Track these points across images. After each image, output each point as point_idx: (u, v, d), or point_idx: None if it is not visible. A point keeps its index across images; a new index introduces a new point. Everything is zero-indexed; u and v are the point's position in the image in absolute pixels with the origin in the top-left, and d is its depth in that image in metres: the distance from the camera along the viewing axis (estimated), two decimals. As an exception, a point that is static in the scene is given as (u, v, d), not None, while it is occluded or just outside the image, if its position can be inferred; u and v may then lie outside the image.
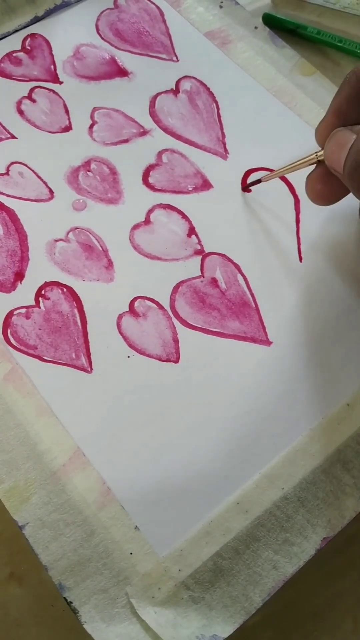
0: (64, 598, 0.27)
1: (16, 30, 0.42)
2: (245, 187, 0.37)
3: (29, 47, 0.41)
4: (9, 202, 0.36)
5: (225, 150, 0.38)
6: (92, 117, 0.39)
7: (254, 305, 0.34)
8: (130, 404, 0.31)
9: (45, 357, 0.32)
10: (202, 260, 0.35)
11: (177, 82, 0.40)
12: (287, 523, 0.29)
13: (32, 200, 0.36)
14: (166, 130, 0.39)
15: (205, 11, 0.43)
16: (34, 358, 0.32)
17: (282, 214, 0.36)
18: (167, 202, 0.36)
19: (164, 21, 0.43)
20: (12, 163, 0.37)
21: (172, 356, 0.32)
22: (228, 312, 0.33)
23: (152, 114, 0.39)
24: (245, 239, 0.35)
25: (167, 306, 0.33)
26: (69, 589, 0.27)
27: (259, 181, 0.35)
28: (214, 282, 0.34)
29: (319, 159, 0.30)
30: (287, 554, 0.28)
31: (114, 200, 0.36)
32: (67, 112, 0.39)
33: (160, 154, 0.38)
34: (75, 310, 0.33)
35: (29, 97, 0.40)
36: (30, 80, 0.40)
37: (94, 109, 0.39)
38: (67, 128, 0.39)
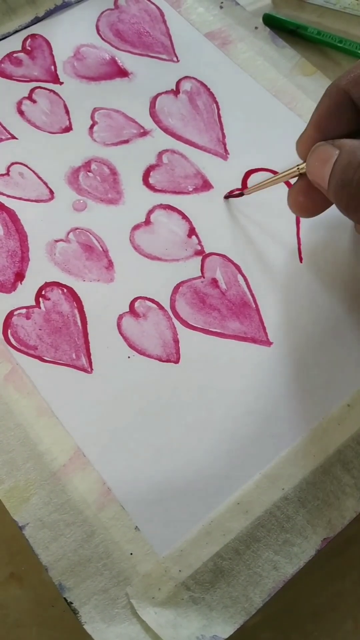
0: (64, 598, 0.27)
1: (16, 31, 0.42)
2: (227, 197, 0.36)
3: (29, 48, 0.41)
4: (9, 203, 0.36)
5: (226, 150, 0.38)
6: (92, 117, 0.39)
7: (254, 306, 0.34)
8: (131, 404, 0.31)
9: (45, 358, 0.32)
10: (203, 261, 0.35)
11: (178, 83, 0.40)
12: (288, 523, 0.29)
13: (32, 200, 0.36)
14: (166, 130, 0.39)
15: (206, 12, 0.43)
16: (34, 358, 0.32)
17: (282, 215, 0.36)
18: (168, 202, 0.36)
19: (165, 22, 0.43)
20: (13, 163, 0.37)
21: (173, 356, 0.32)
22: (228, 312, 0.33)
23: (153, 114, 0.39)
24: (246, 240, 0.35)
25: (167, 306, 0.33)
26: (69, 589, 0.27)
27: (241, 194, 0.35)
28: (214, 282, 0.34)
29: (301, 172, 0.30)
30: (288, 555, 0.28)
31: (114, 200, 0.37)
32: (67, 112, 0.39)
33: (160, 154, 0.38)
34: (76, 311, 0.33)
35: (30, 97, 0.40)
36: (31, 80, 0.40)
37: (94, 110, 0.39)
38: (68, 128, 0.39)
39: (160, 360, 0.32)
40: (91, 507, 0.29)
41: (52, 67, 0.41)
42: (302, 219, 0.36)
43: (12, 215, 0.36)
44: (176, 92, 0.40)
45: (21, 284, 0.34)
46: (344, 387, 0.32)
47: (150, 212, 0.36)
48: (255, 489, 0.29)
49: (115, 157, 0.38)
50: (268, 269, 0.35)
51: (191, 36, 0.42)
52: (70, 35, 0.42)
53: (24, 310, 0.33)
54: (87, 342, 0.32)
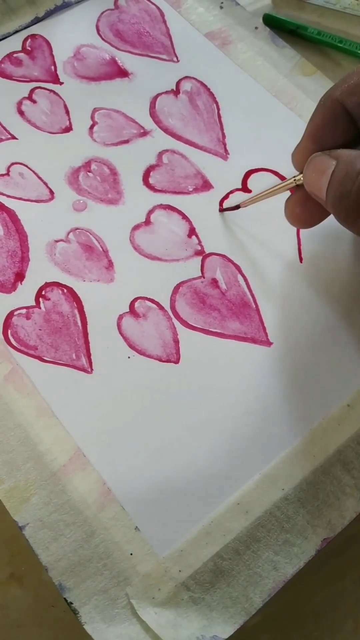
0: (64, 599, 0.27)
1: (16, 31, 0.42)
2: (222, 210, 0.36)
3: (29, 48, 0.41)
4: (9, 203, 0.36)
5: (226, 150, 0.38)
6: (92, 117, 0.39)
7: (254, 306, 0.34)
8: (131, 404, 0.31)
9: (45, 358, 0.32)
10: (203, 261, 0.35)
11: (178, 83, 0.40)
12: (288, 524, 0.29)
13: (32, 200, 0.36)
14: (166, 130, 0.39)
15: (206, 12, 0.43)
16: (34, 358, 0.32)
17: (282, 215, 0.36)
18: (168, 202, 0.36)
19: (165, 22, 0.43)
20: (13, 164, 0.37)
21: (173, 357, 0.32)
22: (228, 312, 0.33)
23: (153, 114, 0.39)
24: (246, 240, 0.35)
25: (167, 307, 0.33)
26: (69, 589, 0.27)
27: (237, 207, 0.35)
28: (214, 282, 0.34)
29: (298, 183, 0.30)
30: (288, 555, 0.28)
31: (115, 200, 0.37)
32: (67, 112, 0.39)
33: (160, 154, 0.38)
34: (76, 311, 0.33)
35: (30, 97, 0.40)
36: (31, 80, 0.40)
37: (95, 110, 0.39)
38: (68, 129, 0.39)
39: (160, 360, 0.32)
40: (91, 507, 0.29)
41: (52, 67, 0.41)
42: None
43: (12, 216, 0.36)
44: (176, 92, 0.40)
45: (21, 284, 0.34)
46: (343, 388, 0.32)
47: (151, 212, 0.36)
48: (256, 489, 0.29)
49: (115, 157, 0.38)
50: (268, 269, 0.35)
51: (191, 36, 0.42)
52: (70, 35, 0.42)
53: (24, 311, 0.33)
54: (87, 342, 0.32)
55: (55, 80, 0.40)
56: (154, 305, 0.33)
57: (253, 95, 0.40)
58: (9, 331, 0.32)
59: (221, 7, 0.43)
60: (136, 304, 0.33)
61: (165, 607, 0.27)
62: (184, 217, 0.36)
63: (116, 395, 0.31)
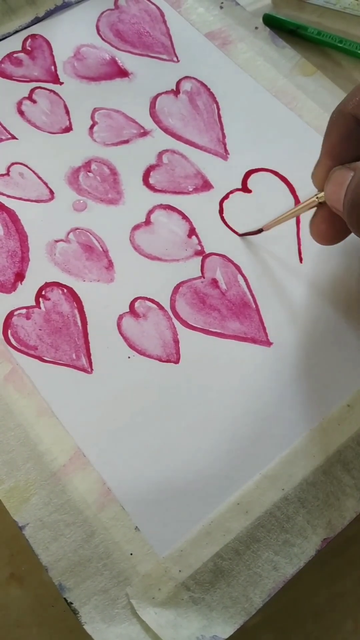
0: (64, 599, 0.27)
1: (17, 31, 0.42)
2: (242, 235, 0.35)
3: (29, 48, 0.41)
4: (9, 203, 0.36)
5: (226, 150, 0.38)
6: (92, 117, 0.39)
7: (254, 306, 0.34)
8: (131, 404, 0.31)
9: (45, 358, 0.32)
10: (203, 261, 0.35)
11: (178, 83, 0.40)
12: (288, 524, 0.29)
13: (32, 200, 0.36)
14: (166, 130, 0.39)
15: (206, 12, 0.43)
16: (35, 358, 0.32)
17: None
18: (168, 202, 0.36)
19: (165, 22, 0.43)
20: (13, 164, 0.37)
21: (173, 357, 0.32)
22: (228, 312, 0.33)
23: (153, 114, 0.39)
24: (246, 240, 0.35)
25: (167, 307, 0.33)
26: (69, 589, 0.27)
27: (260, 230, 0.34)
28: (214, 282, 0.34)
29: (320, 201, 0.29)
30: (288, 555, 0.28)
31: (115, 200, 0.37)
32: (67, 112, 0.39)
33: (160, 154, 0.38)
34: (76, 311, 0.33)
35: (30, 97, 0.40)
36: (31, 80, 0.40)
37: (95, 110, 0.39)
38: (68, 129, 0.39)
39: (160, 360, 0.32)
40: (91, 508, 0.29)
41: (52, 67, 0.41)
42: (302, 219, 0.36)
43: (12, 216, 0.36)
44: (176, 92, 0.40)
45: (21, 284, 0.34)
46: (343, 388, 0.32)
47: (151, 212, 0.36)
48: (256, 489, 0.29)
49: (115, 157, 0.38)
50: (268, 269, 0.35)
51: (191, 36, 0.42)
52: (70, 35, 0.42)
53: (24, 311, 0.33)
54: (87, 342, 0.32)
55: (56, 80, 0.40)
56: (154, 305, 0.33)
57: (253, 95, 0.40)
58: (9, 331, 0.32)
59: (221, 7, 0.43)
60: (136, 304, 0.33)
61: (165, 607, 0.27)
62: (184, 217, 0.36)
63: (116, 395, 0.31)
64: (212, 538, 0.28)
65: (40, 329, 0.33)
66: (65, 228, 0.35)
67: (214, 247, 0.35)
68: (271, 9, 0.45)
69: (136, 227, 0.36)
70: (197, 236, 0.35)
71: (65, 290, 0.34)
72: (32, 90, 0.40)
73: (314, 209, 0.31)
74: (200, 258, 0.35)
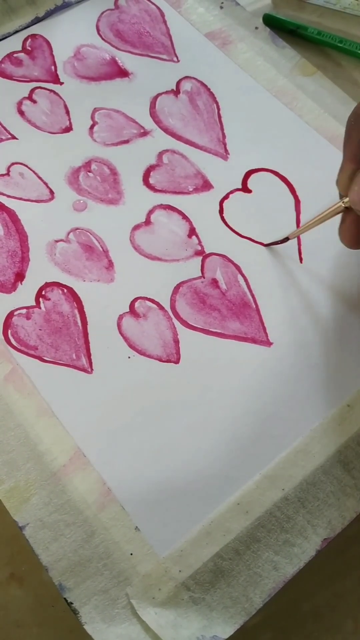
0: (65, 599, 0.27)
1: (17, 31, 0.42)
2: (269, 245, 0.35)
3: (29, 48, 0.41)
4: (9, 203, 0.36)
5: (226, 150, 0.38)
6: (92, 117, 0.39)
7: (254, 306, 0.34)
8: (131, 404, 0.31)
9: (45, 358, 0.32)
10: (203, 261, 0.35)
11: (178, 83, 0.40)
12: (288, 524, 0.29)
13: (32, 200, 0.36)
14: (167, 130, 0.39)
15: (206, 12, 0.43)
16: (35, 358, 0.32)
17: (282, 215, 0.36)
18: (168, 202, 0.36)
19: (165, 22, 0.43)
20: (13, 164, 0.37)
21: (173, 357, 0.32)
22: (228, 312, 0.33)
23: (153, 114, 0.39)
24: (246, 240, 0.35)
25: (167, 307, 0.33)
26: (69, 589, 0.27)
27: (286, 239, 0.34)
28: (214, 282, 0.34)
29: (346, 206, 0.29)
30: (288, 555, 0.28)
31: (115, 200, 0.37)
32: (67, 112, 0.39)
33: (160, 154, 0.38)
34: (76, 311, 0.33)
35: (30, 97, 0.40)
36: (31, 80, 0.40)
37: (95, 110, 0.39)
38: (68, 129, 0.39)
39: (161, 360, 0.32)
40: (91, 508, 0.29)
41: (53, 67, 0.41)
42: (301, 219, 0.36)
43: (12, 216, 0.36)
44: (176, 92, 0.40)
45: (21, 284, 0.34)
46: (344, 388, 0.32)
47: (151, 212, 0.36)
48: (256, 489, 0.29)
49: (115, 157, 0.38)
50: (268, 269, 0.35)
51: (191, 36, 0.42)
52: (70, 35, 0.42)
53: (24, 311, 0.33)
54: (87, 343, 0.32)
55: (56, 80, 0.40)
56: (154, 305, 0.33)
57: (253, 95, 0.40)
58: (9, 331, 0.32)
59: (221, 7, 0.43)
60: (136, 304, 0.33)
61: (165, 607, 0.27)
62: (184, 217, 0.36)
63: (116, 395, 0.31)
64: (212, 538, 0.28)
65: (40, 329, 0.33)
66: (66, 228, 0.35)
67: (214, 247, 0.35)
68: (271, 9, 0.45)
69: (136, 227, 0.36)
70: (197, 236, 0.35)
71: (65, 290, 0.34)
72: (32, 90, 0.40)
73: (340, 215, 0.30)
74: (200, 258, 0.35)
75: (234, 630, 0.27)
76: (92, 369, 0.32)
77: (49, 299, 0.33)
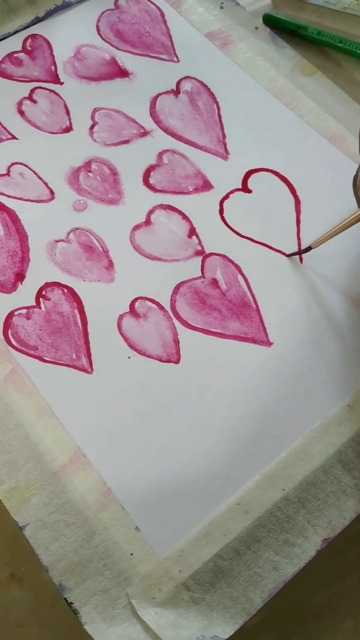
0: (65, 599, 0.27)
1: (17, 31, 0.42)
2: (291, 254, 0.35)
3: (29, 48, 0.41)
4: (9, 203, 0.36)
5: (226, 150, 0.38)
6: (92, 117, 0.39)
7: (254, 306, 0.34)
8: (131, 404, 0.31)
9: (45, 358, 0.32)
10: (203, 261, 0.35)
11: (178, 83, 0.40)
12: (288, 524, 0.29)
13: (32, 200, 0.36)
14: (167, 130, 0.39)
15: (206, 12, 0.43)
16: (35, 358, 0.32)
17: (282, 215, 0.36)
18: (168, 202, 0.36)
19: (165, 22, 0.43)
20: (13, 164, 0.37)
21: (173, 357, 0.32)
22: (229, 312, 0.33)
23: (153, 114, 0.39)
24: (246, 240, 0.35)
25: (167, 307, 0.33)
26: (69, 589, 0.27)
27: (309, 248, 0.33)
28: (214, 282, 0.34)
29: None
30: (288, 555, 0.28)
31: (115, 200, 0.36)
32: (67, 112, 0.39)
33: (160, 154, 0.38)
34: (76, 311, 0.33)
35: (30, 97, 0.40)
36: (31, 80, 0.40)
37: (95, 110, 0.39)
38: (68, 129, 0.39)
39: (161, 360, 0.32)
40: (91, 508, 0.29)
41: (53, 67, 0.41)
42: (302, 220, 0.36)
43: (12, 216, 0.36)
44: (176, 92, 0.40)
45: (21, 284, 0.34)
46: (344, 388, 0.32)
47: (151, 212, 0.36)
48: (256, 490, 0.29)
49: (115, 157, 0.38)
50: (268, 269, 0.35)
51: (191, 36, 0.42)
52: (70, 35, 0.42)
53: (24, 311, 0.33)
54: (87, 343, 0.32)
55: (56, 80, 0.40)
56: (154, 306, 0.33)
57: (253, 95, 0.40)
58: (9, 331, 0.32)
59: (221, 8, 0.43)
60: (136, 304, 0.33)
61: (165, 607, 0.27)
62: (184, 217, 0.36)
63: (116, 395, 0.31)
64: (212, 538, 0.28)
65: (40, 329, 0.33)
66: (66, 228, 0.35)
67: (214, 247, 0.35)
68: (271, 9, 0.45)
69: (136, 227, 0.36)
70: (197, 236, 0.35)
71: (65, 291, 0.34)
72: (33, 90, 0.40)
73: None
74: (200, 258, 0.35)
75: (234, 630, 0.27)
76: (92, 369, 0.32)
77: (49, 299, 0.33)
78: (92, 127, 0.39)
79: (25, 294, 0.33)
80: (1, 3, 0.42)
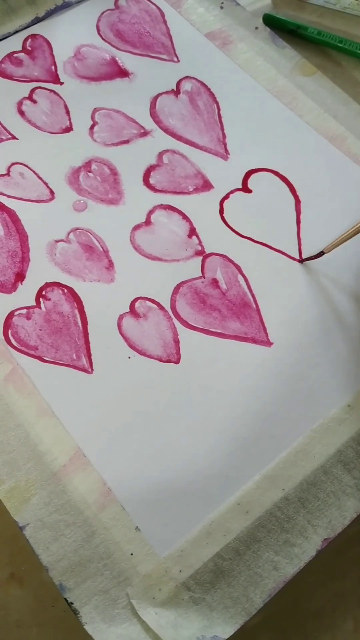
0: (65, 599, 0.27)
1: (17, 31, 0.42)
2: (305, 260, 0.34)
3: (29, 48, 0.41)
4: (9, 203, 0.36)
5: (226, 150, 0.38)
6: (92, 117, 0.39)
7: (254, 306, 0.34)
8: (131, 404, 0.31)
9: (45, 358, 0.32)
10: (203, 261, 0.35)
11: (178, 83, 0.40)
12: (288, 524, 0.29)
13: (32, 201, 0.36)
14: (167, 130, 0.39)
15: (206, 12, 0.43)
16: (35, 359, 0.32)
17: (282, 215, 0.36)
18: (168, 202, 0.36)
19: (165, 22, 0.43)
20: (13, 164, 0.37)
21: (173, 357, 0.32)
22: (229, 312, 0.33)
23: (153, 114, 0.39)
24: (246, 240, 0.35)
25: (167, 307, 0.33)
26: (69, 589, 0.27)
27: (321, 253, 0.33)
28: (214, 282, 0.34)
29: None
30: (288, 555, 0.28)
31: (115, 201, 0.36)
32: (67, 112, 0.39)
33: (160, 154, 0.38)
34: (76, 311, 0.33)
35: (30, 97, 0.40)
36: (31, 80, 0.40)
37: (95, 110, 0.39)
38: (68, 129, 0.39)
39: (161, 360, 0.32)
40: (91, 508, 0.29)
41: (53, 67, 0.41)
42: (302, 220, 0.36)
43: (12, 216, 0.36)
44: (176, 92, 0.40)
45: (22, 284, 0.34)
46: (344, 387, 0.32)
47: (151, 212, 0.36)
48: (256, 490, 0.29)
49: (115, 157, 0.38)
50: (268, 269, 0.35)
51: (191, 36, 0.42)
52: (70, 35, 0.42)
53: (24, 311, 0.33)
54: (87, 343, 0.32)
55: (56, 80, 0.40)
56: (154, 306, 0.33)
57: (253, 95, 0.40)
58: (10, 331, 0.32)
59: (221, 8, 0.43)
60: (136, 304, 0.33)
61: (165, 607, 0.27)
62: (184, 217, 0.36)
63: (116, 395, 0.31)
64: (212, 538, 0.28)
65: (40, 329, 0.33)
66: (66, 228, 0.35)
67: (214, 247, 0.35)
68: (271, 9, 0.45)
69: (136, 227, 0.36)
70: (197, 236, 0.35)
71: (65, 291, 0.34)
72: (33, 90, 0.40)
73: None
74: (200, 258, 0.35)
75: (234, 630, 0.27)
76: (92, 369, 0.32)
77: (49, 299, 0.33)
78: (92, 127, 0.39)
79: (25, 294, 0.33)
80: (1, 3, 0.42)
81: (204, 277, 0.34)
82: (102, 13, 0.43)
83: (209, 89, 0.40)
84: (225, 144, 0.38)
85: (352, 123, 0.38)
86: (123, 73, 0.41)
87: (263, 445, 0.30)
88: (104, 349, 0.32)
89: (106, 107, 0.39)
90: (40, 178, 0.37)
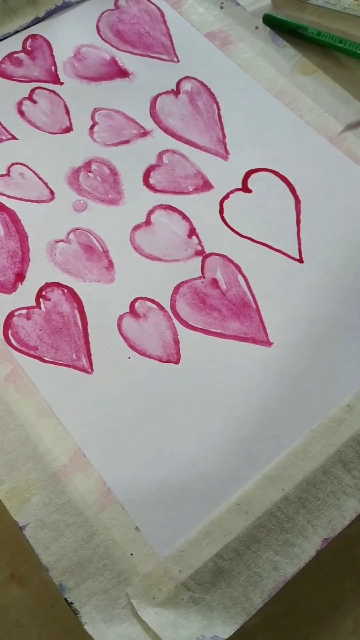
0: (65, 599, 0.27)
1: (17, 31, 0.42)
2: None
3: (29, 48, 0.42)
4: (9, 203, 0.36)
5: (226, 150, 0.38)
6: (92, 117, 0.39)
7: (254, 306, 0.34)
8: (131, 405, 0.31)
9: (45, 358, 0.32)
10: (203, 261, 0.35)
11: (178, 83, 0.40)
12: (288, 524, 0.29)
13: (32, 201, 0.36)
14: (167, 131, 0.39)
15: (206, 12, 0.43)
16: (35, 359, 0.32)
17: (282, 215, 0.36)
18: (168, 202, 0.36)
19: (165, 22, 0.43)
20: (13, 164, 0.37)
21: (173, 357, 0.32)
22: (228, 312, 0.33)
23: (153, 114, 0.39)
24: (246, 240, 0.35)
25: (167, 307, 0.33)
26: (69, 589, 0.27)
27: None
28: (214, 282, 0.34)
29: None
30: (288, 555, 0.28)
31: (115, 201, 0.37)
32: (67, 113, 0.39)
33: (160, 154, 0.38)
34: (76, 311, 0.33)
35: (30, 98, 0.40)
36: (31, 81, 0.40)
37: (95, 110, 0.39)
38: (68, 129, 0.39)
39: (161, 360, 0.32)
40: (92, 508, 0.29)
41: (53, 67, 0.41)
42: (302, 220, 0.36)
43: (12, 216, 0.36)
44: (176, 92, 0.40)
45: (22, 284, 0.34)
46: (344, 387, 0.32)
47: (151, 212, 0.36)
48: (256, 490, 0.29)
49: (115, 158, 0.38)
50: (268, 269, 0.35)
51: (191, 36, 0.42)
52: (70, 35, 0.42)
53: (24, 311, 0.33)
54: (87, 343, 0.32)
55: (56, 80, 0.40)
56: (154, 306, 0.33)
57: (253, 95, 0.40)
58: (10, 331, 0.32)
59: (221, 8, 0.43)
60: (136, 305, 0.33)
61: (165, 607, 0.27)
62: (184, 217, 0.36)
63: (116, 395, 0.31)
64: (212, 538, 0.28)
65: (40, 330, 0.33)
66: (66, 228, 0.35)
67: (214, 247, 0.35)
68: (271, 9, 0.45)
69: (136, 228, 0.36)
70: (197, 236, 0.35)
71: (65, 291, 0.34)
72: (33, 91, 0.40)
73: None
74: (200, 258, 0.35)
75: (234, 630, 0.27)
76: (92, 369, 0.32)
77: (49, 299, 0.33)
78: (92, 127, 0.39)
79: (25, 294, 0.34)
80: (1, 3, 0.42)
81: (204, 277, 0.34)
82: (102, 13, 0.43)
83: (209, 89, 0.40)
84: (225, 144, 0.38)
85: (353, 123, 0.39)
86: (123, 73, 0.41)
87: (263, 445, 0.30)
88: (104, 349, 0.32)
89: (106, 107, 0.40)
90: (40, 178, 0.37)
